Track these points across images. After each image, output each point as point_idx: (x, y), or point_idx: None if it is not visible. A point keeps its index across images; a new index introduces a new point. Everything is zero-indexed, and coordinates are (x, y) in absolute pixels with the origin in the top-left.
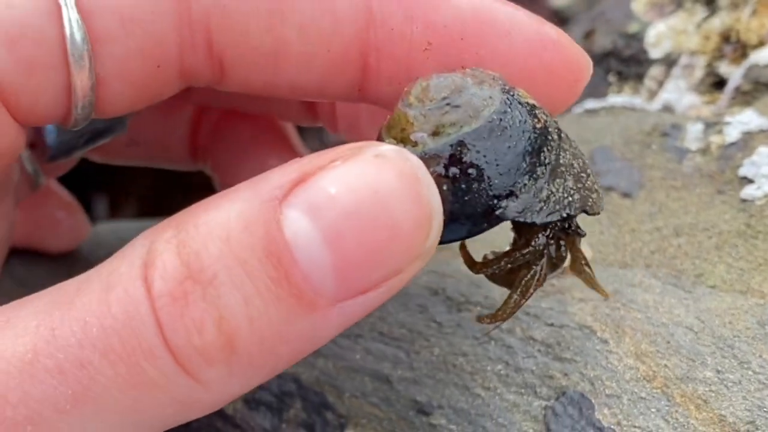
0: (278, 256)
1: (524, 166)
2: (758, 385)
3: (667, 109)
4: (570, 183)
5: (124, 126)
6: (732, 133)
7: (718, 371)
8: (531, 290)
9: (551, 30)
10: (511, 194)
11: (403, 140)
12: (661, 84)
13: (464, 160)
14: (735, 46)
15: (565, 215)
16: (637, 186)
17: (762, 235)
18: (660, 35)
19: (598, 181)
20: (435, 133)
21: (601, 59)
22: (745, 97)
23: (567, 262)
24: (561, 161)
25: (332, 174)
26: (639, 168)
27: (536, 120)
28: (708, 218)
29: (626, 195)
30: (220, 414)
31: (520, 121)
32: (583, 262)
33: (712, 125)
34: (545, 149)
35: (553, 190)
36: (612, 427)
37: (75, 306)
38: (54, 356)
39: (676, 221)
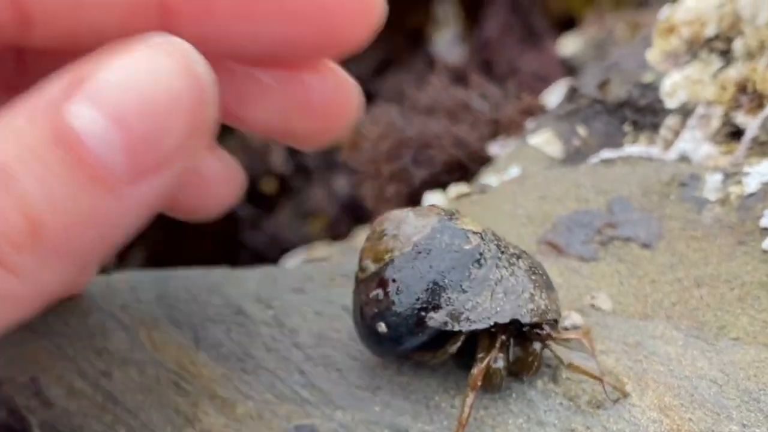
0: (67, 143)
1: (447, 281)
2: None
3: (684, 159)
4: (500, 295)
5: None
6: (751, 184)
7: (744, 425)
8: (477, 386)
9: None
10: (437, 307)
11: (361, 268)
12: (677, 134)
13: (395, 279)
14: (751, 96)
15: (491, 324)
16: (657, 237)
17: None
18: (675, 85)
19: (552, 294)
20: (375, 260)
21: (616, 109)
22: (763, 147)
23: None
24: (491, 276)
25: (108, 67)
26: (658, 218)
27: (467, 242)
28: (730, 269)
29: (646, 246)
30: None
31: (446, 244)
32: (535, 364)
33: (731, 176)
34: (472, 267)
35: (479, 301)
36: None
37: None
38: None
39: (696, 272)
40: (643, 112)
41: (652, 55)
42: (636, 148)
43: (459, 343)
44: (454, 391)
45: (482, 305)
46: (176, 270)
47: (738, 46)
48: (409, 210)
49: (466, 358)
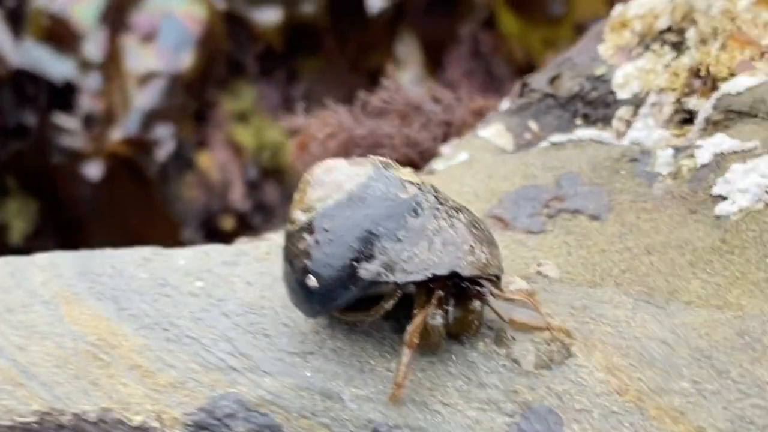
0: None
1: (382, 230)
2: (739, 395)
3: (636, 146)
4: (438, 246)
5: None
6: (704, 155)
7: (695, 382)
8: (413, 344)
9: None
10: (370, 257)
11: (290, 221)
12: (629, 124)
13: (326, 228)
14: (704, 80)
15: (429, 275)
16: (606, 209)
17: (738, 249)
18: (627, 76)
19: (495, 250)
20: (306, 210)
21: (567, 102)
22: (716, 127)
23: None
24: (429, 226)
25: None
26: (608, 192)
27: (403, 191)
28: (681, 236)
29: (594, 217)
30: None
31: (382, 192)
32: (475, 323)
33: (683, 149)
34: (408, 216)
35: (416, 252)
36: None
37: None
38: None
39: (647, 240)
40: (594, 105)
41: (605, 49)
42: (587, 131)
43: (395, 300)
44: (390, 356)
45: (419, 256)
46: (102, 250)
47: (691, 34)
48: (342, 159)
49: (403, 321)
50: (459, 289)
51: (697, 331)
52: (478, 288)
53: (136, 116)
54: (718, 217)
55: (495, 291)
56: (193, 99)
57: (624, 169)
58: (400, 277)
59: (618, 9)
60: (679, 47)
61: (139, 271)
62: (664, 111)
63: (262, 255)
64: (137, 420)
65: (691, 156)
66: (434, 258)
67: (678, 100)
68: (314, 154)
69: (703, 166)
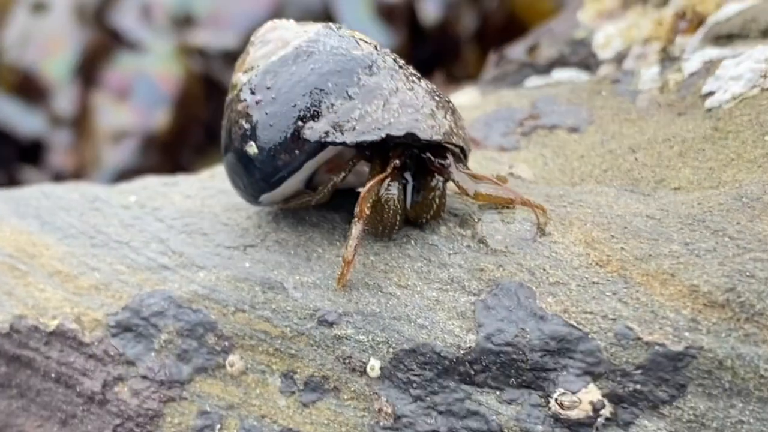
0: None
1: (330, 86)
2: (737, 250)
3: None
4: (395, 106)
5: None
6: (693, 65)
7: (687, 243)
8: (363, 214)
9: None
10: (317, 115)
11: (231, 87)
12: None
13: (269, 86)
14: (691, 20)
15: (383, 135)
16: (586, 122)
17: (732, 134)
18: (609, 36)
19: (459, 121)
20: (247, 71)
21: (546, 69)
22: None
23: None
24: (385, 86)
25: None
26: (588, 109)
27: (357, 48)
28: (668, 132)
29: (573, 130)
30: (76, 342)
31: (332, 47)
32: (435, 202)
33: (670, 64)
34: (361, 73)
35: (369, 110)
36: (558, 314)
37: None
38: None
39: (631, 141)
40: (576, 69)
41: (585, 15)
42: (565, 72)
43: (345, 173)
44: (340, 243)
45: (372, 115)
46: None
47: None
48: (291, 20)
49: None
50: (419, 162)
51: (688, 205)
52: (441, 161)
53: (107, 174)
54: (709, 110)
55: (459, 168)
56: (167, 161)
57: (605, 90)
58: (349, 138)
59: None
60: (663, 4)
61: (70, 193)
62: (650, 60)
63: (205, 177)
64: (53, 324)
65: (678, 70)
66: (390, 118)
67: (663, 49)
68: None
69: (692, 74)
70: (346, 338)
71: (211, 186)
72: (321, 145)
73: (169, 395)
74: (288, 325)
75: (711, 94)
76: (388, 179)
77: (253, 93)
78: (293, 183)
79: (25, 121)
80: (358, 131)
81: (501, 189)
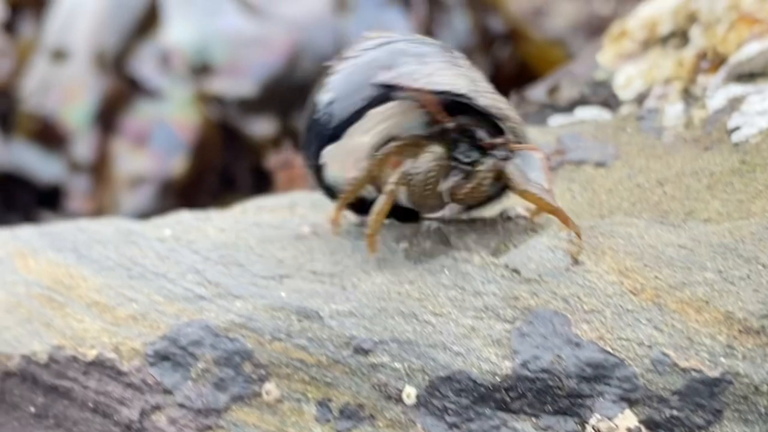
0: None
1: (410, 55)
2: None
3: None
4: (460, 74)
5: None
6: (717, 102)
7: (720, 271)
8: (393, 190)
9: None
10: (390, 67)
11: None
12: None
13: (348, 57)
14: (712, 59)
15: (447, 89)
16: (613, 157)
17: (760, 167)
18: (629, 77)
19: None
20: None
21: (568, 109)
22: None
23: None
24: (454, 63)
25: None
26: (614, 145)
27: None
28: (696, 166)
29: (600, 165)
30: (114, 371)
31: (407, 43)
32: (485, 183)
33: (694, 101)
34: (438, 53)
35: (440, 74)
36: (594, 341)
37: None
38: None
39: (659, 176)
40: (598, 107)
41: (605, 57)
42: (588, 111)
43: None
44: (375, 273)
45: (439, 74)
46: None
47: (695, 29)
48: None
49: (393, 244)
50: (470, 138)
51: (719, 235)
52: (492, 140)
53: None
54: (736, 144)
55: (509, 141)
56: (184, 205)
57: (630, 127)
58: (414, 84)
59: (616, 23)
60: (683, 45)
61: (103, 227)
62: (671, 99)
63: (238, 212)
64: (92, 354)
65: (703, 107)
66: (454, 81)
67: (685, 89)
68: (302, 187)
69: (717, 111)
70: (381, 366)
71: (244, 220)
72: (385, 93)
73: (206, 423)
74: (324, 353)
75: (737, 129)
76: (426, 149)
77: (333, 73)
78: (357, 141)
79: (45, 167)
80: (425, 83)
81: (549, 196)
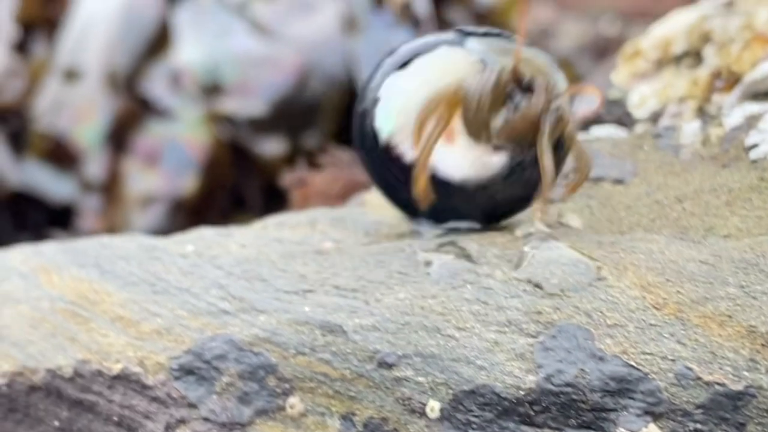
0: None
1: None
2: None
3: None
4: None
5: None
6: (734, 119)
7: (742, 286)
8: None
9: None
10: None
11: None
12: None
13: None
14: (727, 78)
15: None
16: (631, 174)
17: None
18: (644, 96)
19: None
20: None
21: (584, 127)
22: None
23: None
24: None
25: None
26: (632, 162)
27: None
28: (715, 182)
29: (618, 182)
30: (139, 385)
31: None
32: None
33: (711, 120)
34: None
35: None
36: (617, 355)
37: None
38: None
39: (677, 192)
40: (613, 126)
41: (619, 77)
42: (604, 129)
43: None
44: (398, 287)
45: None
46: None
47: (709, 51)
48: None
49: (414, 256)
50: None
51: (740, 250)
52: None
53: None
54: (754, 161)
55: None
56: (194, 224)
57: (647, 144)
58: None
59: (629, 42)
60: (697, 65)
61: (126, 243)
62: (686, 118)
63: (258, 228)
64: (117, 368)
65: (719, 125)
66: None
67: (700, 108)
68: (316, 205)
69: (734, 128)
70: (405, 380)
71: (265, 236)
72: None
73: None
74: (348, 367)
75: (755, 146)
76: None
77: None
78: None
79: (56, 187)
80: None
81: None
